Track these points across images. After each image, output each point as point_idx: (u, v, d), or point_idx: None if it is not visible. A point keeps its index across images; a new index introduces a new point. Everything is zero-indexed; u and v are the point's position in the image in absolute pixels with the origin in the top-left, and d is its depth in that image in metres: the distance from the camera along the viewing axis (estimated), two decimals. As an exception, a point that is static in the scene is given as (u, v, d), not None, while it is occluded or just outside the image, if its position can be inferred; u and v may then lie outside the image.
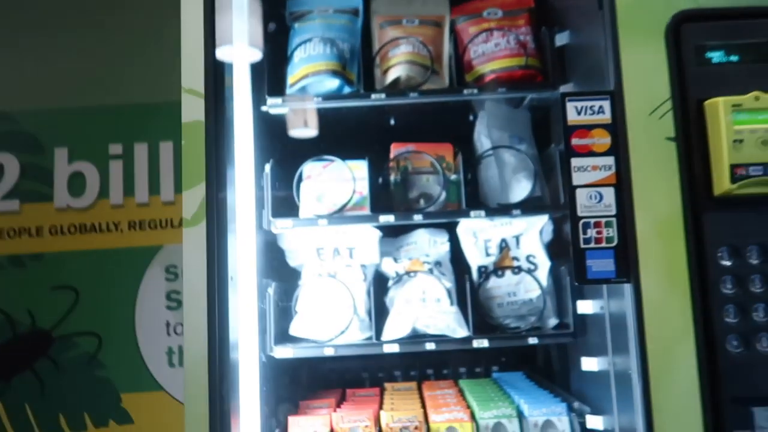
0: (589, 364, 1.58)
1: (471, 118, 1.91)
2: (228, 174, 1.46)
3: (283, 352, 1.67)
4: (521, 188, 1.69)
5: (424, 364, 2.27)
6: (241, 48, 1.56)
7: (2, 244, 2.69)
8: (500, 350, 2.31)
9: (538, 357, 2.18)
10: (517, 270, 1.72)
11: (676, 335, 1.28)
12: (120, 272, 2.67)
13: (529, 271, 1.71)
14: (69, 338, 2.63)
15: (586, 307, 1.59)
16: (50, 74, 2.70)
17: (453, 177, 1.75)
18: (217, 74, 1.43)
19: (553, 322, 1.72)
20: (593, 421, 1.57)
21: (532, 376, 2.05)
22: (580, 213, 1.28)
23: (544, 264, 1.73)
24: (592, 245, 1.28)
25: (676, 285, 1.28)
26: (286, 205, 1.77)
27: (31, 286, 2.66)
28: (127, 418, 2.63)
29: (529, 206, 1.66)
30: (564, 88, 1.62)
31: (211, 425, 1.37)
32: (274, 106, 1.70)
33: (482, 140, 1.80)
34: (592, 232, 1.28)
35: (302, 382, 2.11)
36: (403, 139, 1.80)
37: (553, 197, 1.74)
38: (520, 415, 1.66)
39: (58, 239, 2.69)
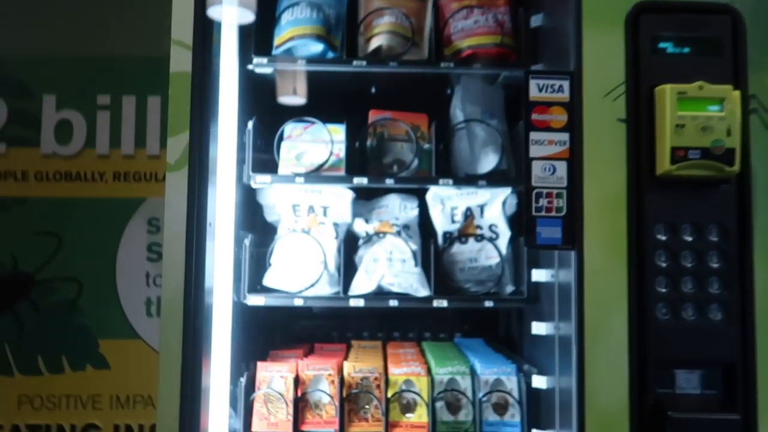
0: (539, 328, 1.70)
1: (448, 91, 2.00)
2: (211, 127, 1.54)
3: (256, 299, 1.77)
4: (489, 161, 1.80)
5: (391, 327, 2.40)
6: (231, 9, 1.64)
7: (-15, 185, 2.75)
8: (464, 318, 2.44)
9: (499, 325, 2.31)
10: (480, 238, 1.83)
11: (612, 301, 1.40)
12: (103, 222, 2.74)
13: (491, 240, 1.82)
14: (50, 283, 2.70)
15: (539, 275, 1.70)
16: (41, 21, 2.73)
17: (426, 146, 1.85)
18: (205, 30, 1.51)
19: (509, 288, 1.84)
20: (538, 380, 1.69)
21: (491, 343, 2.18)
22: (534, 183, 1.39)
23: (504, 234, 1.84)
24: (543, 213, 1.39)
25: (615, 255, 1.40)
26: (267, 163, 1.85)
27: (15, 230, 2.71)
28: (104, 364, 2.71)
29: (494, 178, 1.76)
30: (535, 68, 1.71)
31: (183, 363, 1.48)
32: (259, 65, 1.78)
33: (456, 113, 1.89)
34: (543, 202, 1.39)
35: (275, 335, 2.23)
36: (382, 107, 1.89)
37: (518, 171, 1.84)
38: (473, 373, 1.79)
39: (43, 185, 2.74)
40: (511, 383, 1.77)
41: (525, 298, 1.77)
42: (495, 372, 1.79)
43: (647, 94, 1.39)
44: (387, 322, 2.40)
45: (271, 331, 2.23)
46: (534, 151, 1.39)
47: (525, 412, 1.73)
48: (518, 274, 1.82)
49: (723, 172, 1.35)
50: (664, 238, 1.39)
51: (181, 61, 1.45)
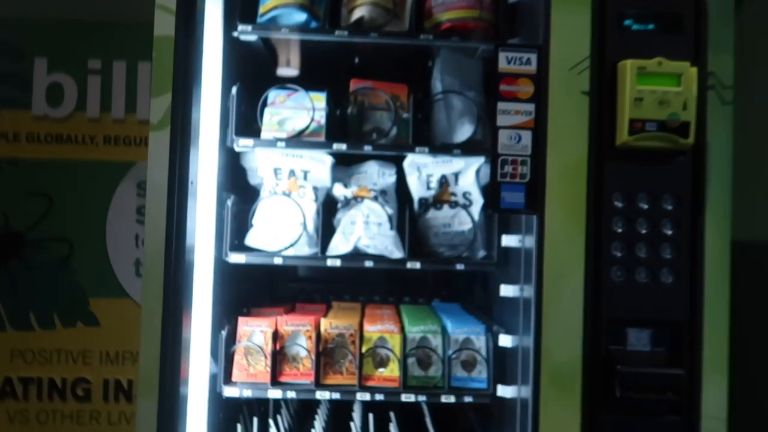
0: (506, 290, 1.79)
1: (429, 63, 2.07)
2: (195, 91, 1.61)
3: (237, 257, 1.85)
4: (464, 131, 1.87)
5: (372, 291, 2.50)
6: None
7: (-22, 146, 2.80)
8: (442, 284, 2.55)
9: (475, 291, 2.41)
10: (454, 204, 1.91)
11: (571, 264, 1.49)
12: (93, 184, 2.80)
13: (464, 207, 1.91)
14: (41, 242, 2.78)
15: (508, 240, 1.79)
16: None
17: (405, 115, 1.92)
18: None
19: (481, 253, 1.93)
20: (504, 339, 1.79)
21: (466, 307, 2.28)
22: (500, 151, 1.46)
23: (477, 201, 1.92)
24: (508, 179, 1.47)
25: (575, 221, 1.49)
26: (250, 128, 1.92)
27: (7, 190, 2.78)
28: (94, 321, 2.80)
29: (468, 147, 1.84)
30: (513, 41, 1.77)
31: (164, 314, 1.56)
32: (244, 33, 1.83)
33: (436, 85, 1.96)
34: (508, 168, 1.47)
35: (259, 296, 2.32)
36: (364, 78, 1.96)
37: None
38: (444, 332, 1.89)
39: (34, 146, 2.79)
40: (480, 342, 1.87)
41: (495, 262, 1.86)
42: (465, 331, 1.89)
43: (610, 68, 1.47)
44: (367, 286, 2.51)
45: (255, 292, 2.32)
46: (501, 120, 1.47)
47: (491, 368, 1.83)
48: (490, 240, 1.91)
49: (678, 144, 1.43)
50: (621, 205, 1.48)
51: (164, 25, 1.51)
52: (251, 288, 2.26)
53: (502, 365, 1.82)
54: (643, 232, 1.48)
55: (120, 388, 2.79)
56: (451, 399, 1.82)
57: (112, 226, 2.81)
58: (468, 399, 1.83)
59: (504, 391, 1.75)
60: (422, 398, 1.83)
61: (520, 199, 1.46)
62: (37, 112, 2.79)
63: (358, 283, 2.48)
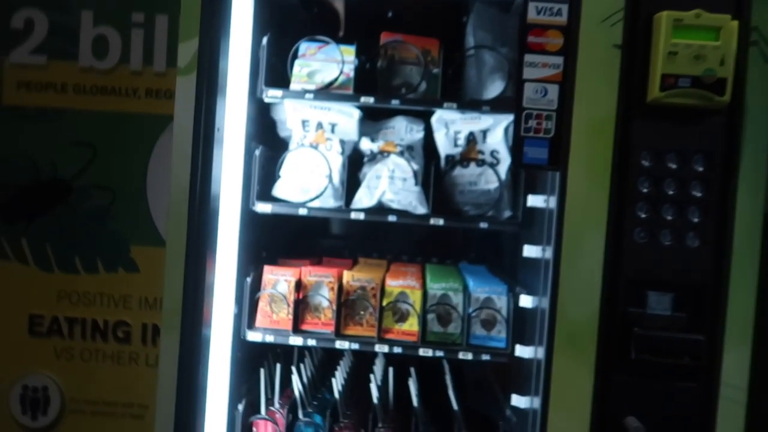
0: (530, 251, 1.77)
1: (464, 19, 2.02)
2: (223, 39, 1.62)
3: (263, 207, 1.89)
4: (494, 88, 1.83)
5: (399, 250, 2.51)
6: None
7: (30, 96, 2.91)
8: (470, 245, 2.54)
9: (502, 254, 2.39)
10: (481, 162, 1.89)
11: (593, 223, 1.46)
12: (135, 135, 2.87)
13: (491, 165, 1.88)
14: (86, 189, 2.88)
15: (534, 200, 1.76)
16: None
17: (435, 71, 1.89)
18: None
19: (507, 213, 1.91)
20: (525, 300, 1.78)
21: (493, 269, 2.27)
22: (525, 104, 1.43)
23: (505, 160, 1.89)
24: (531, 134, 1.44)
25: (599, 179, 1.45)
26: (279, 79, 1.93)
27: (54, 139, 2.89)
28: (135, 267, 2.91)
29: (497, 104, 1.80)
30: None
31: (187, 262, 1.61)
32: (275, -17, 1.84)
33: (469, 40, 1.92)
34: (533, 123, 1.43)
35: (285, 247, 2.37)
36: (395, 31, 1.93)
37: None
38: (466, 290, 1.89)
39: (81, 98, 2.88)
40: (501, 302, 1.87)
41: (519, 222, 1.84)
42: (486, 291, 1.89)
43: (645, 21, 1.40)
44: (395, 245, 2.52)
45: (283, 244, 2.36)
46: (527, 72, 1.43)
47: (510, 328, 1.83)
48: (515, 200, 1.88)
49: (712, 102, 1.37)
50: (648, 164, 1.43)
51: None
52: (279, 239, 2.30)
53: (522, 325, 1.82)
54: (671, 193, 1.43)
55: (157, 332, 2.90)
56: (469, 356, 1.83)
57: (152, 177, 2.88)
58: (486, 357, 1.84)
59: (522, 351, 1.74)
60: (440, 353, 1.85)
61: (543, 154, 1.43)
62: (83, 63, 2.86)
63: (386, 240, 2.49)
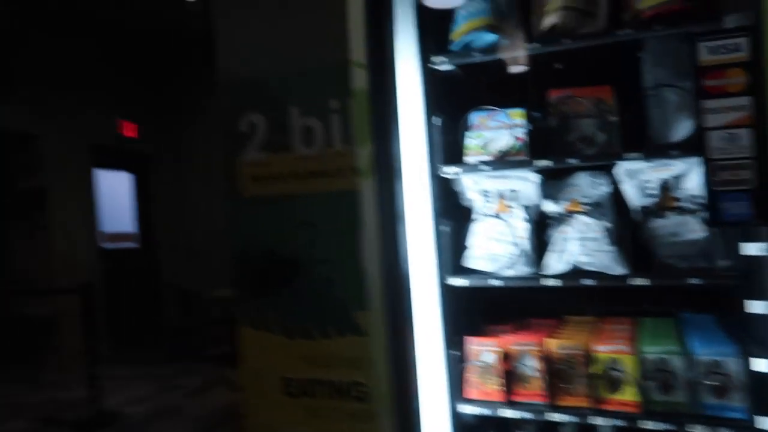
0: (754, 307, 1.53)
1: (638, 55, 1.86)
2: (393, 131, 1.73)
3: (456, 281, 1.94)
4: (682, 128, 1.64)
5: (608, 302, 2.31)
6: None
7: (258, 186, 3.38)
8: (687, 294, 2.24)
9: (732, 302, 2.08)
10: (680, 211, 1.70)
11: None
12: (348, 210, 3.16)
13: (693, 212, 1.68)
14: (311, 263, 3.23)
15: (750, 249, 1.52)
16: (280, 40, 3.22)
17: (612, 119, 1.77)
18: (381, 49, 1.69)
19: (722, 263, 1.68)
20: (758, 363, 1.54)
21: (722, 320, 1.98)
22: (712, 155, 1.26)
23: (710, 203, 1.67)
24: (727, 188, 1.26)
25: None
26: (454, 152, 1.98)
27: (282, 221, 3.31)
28: (361, 331, 3.17)
29: (686, 147, 1.60)
30: (729, 19, 1.50)
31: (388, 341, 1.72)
32: (440, 63, 1.90)
33: (647, 78, 1.76)
34: (726, 174, 1.26)
35: (488, 312, 2.35)
36: (561, 85, 1.86)
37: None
38: (687, 353, 1.69)
39: (298, 182, 3.27)
40: (731, 366, 1.63)
41: (736, 274, 1.60)
42: (712, 353, 1.67)
43: None
44: (603, 297, 2.33)
45: (486, 309, 2.35)
46: (710, 120, 1.26)
47: (747, 396, 1.59)
48: (728, 247, 1.64)
49: None
50: None
51: (359, 79, 1.67)
52: (481, 305, 2.30)
53: (762, 393, 1.56)
54: None
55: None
56: (698, 430, 1.62)
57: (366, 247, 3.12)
58: (723, 431, 1.61)
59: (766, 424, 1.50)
60: (665, 426, 1.67)
61: (744, 209, 1.24)
62: (296, 152, 3.24)
63: (591, 294, 2.34)
